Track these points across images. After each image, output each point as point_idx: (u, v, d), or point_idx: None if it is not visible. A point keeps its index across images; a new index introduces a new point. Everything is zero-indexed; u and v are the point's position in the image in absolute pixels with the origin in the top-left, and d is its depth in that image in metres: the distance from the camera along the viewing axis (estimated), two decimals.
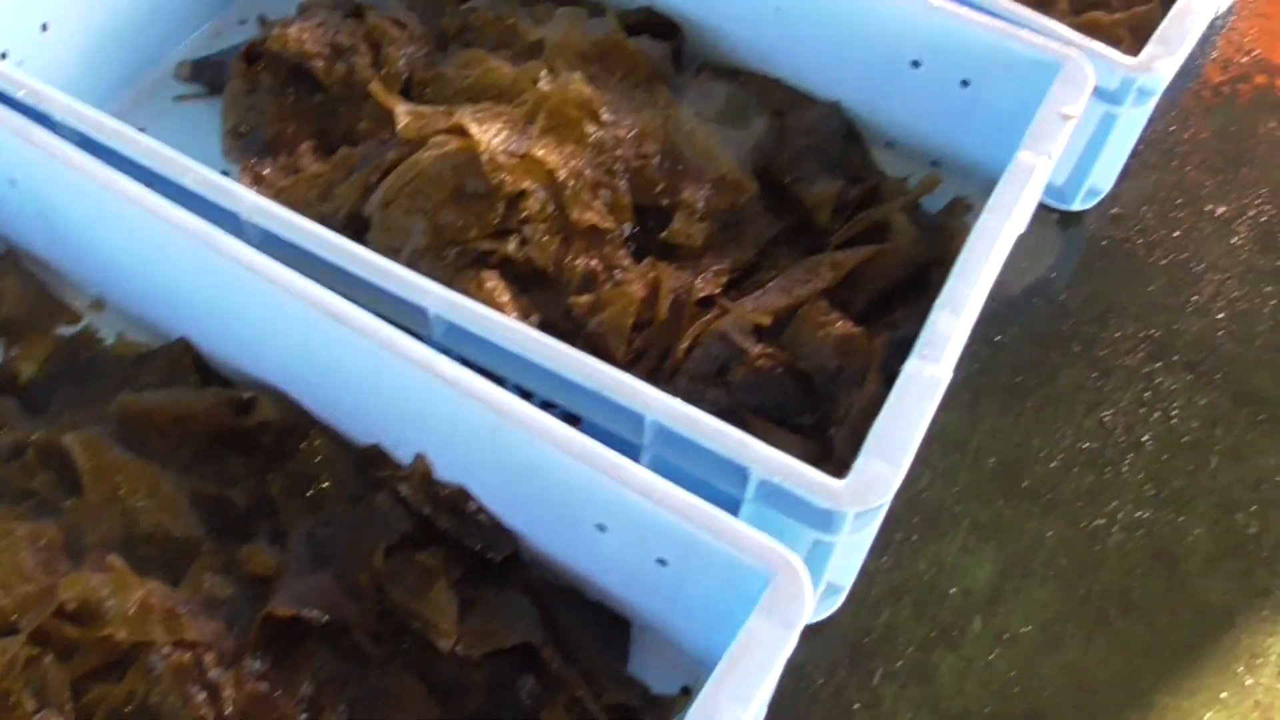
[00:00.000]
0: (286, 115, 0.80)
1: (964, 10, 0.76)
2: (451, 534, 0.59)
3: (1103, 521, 0.71)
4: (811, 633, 0.63)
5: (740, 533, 0.51)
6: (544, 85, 0.75)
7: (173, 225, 0.60)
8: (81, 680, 0.52)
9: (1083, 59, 0.74)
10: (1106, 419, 0.76)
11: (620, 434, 0.58)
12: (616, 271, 0.71)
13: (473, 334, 0.59)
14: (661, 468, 0.55)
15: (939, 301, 0.62)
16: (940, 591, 0.66)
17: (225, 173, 0.78)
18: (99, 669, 0.52)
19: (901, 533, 0.68)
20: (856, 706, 0.62)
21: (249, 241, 0.61)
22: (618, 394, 0.56)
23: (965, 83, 0.79)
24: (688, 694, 0.58)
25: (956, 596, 0.66)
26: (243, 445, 0.62)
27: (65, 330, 0.69)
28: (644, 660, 0.60)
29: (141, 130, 0.78)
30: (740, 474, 0.55)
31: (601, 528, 0.55)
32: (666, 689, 0.59)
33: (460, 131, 0.72)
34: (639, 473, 0.52)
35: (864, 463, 0.54)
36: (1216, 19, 1.01)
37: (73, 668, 0.52)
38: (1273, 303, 0.84)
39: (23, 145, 0.63)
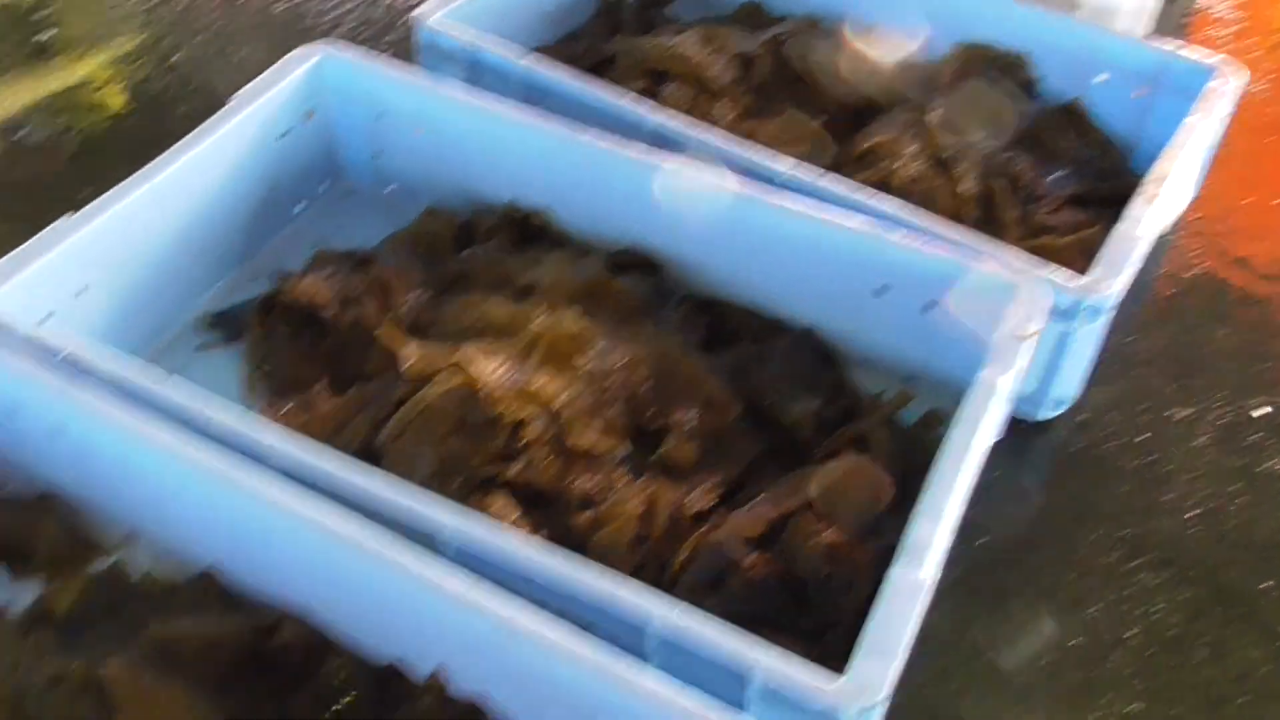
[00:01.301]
0: (301, 359, 0.85)
1: (922, 241, 0.83)
2: None
3: (1097, 716, 0.73)
4: None
5: None
6: (539, 322, 0.81)
7: (201, 464, 0.65)
8: None
9: (1035, 282, 0.81)
10: (1090, 617, 0.79)
11: (626, 647, 0.60)
12: (614, 490, 0.75)
13: (478, 555, 0.62)
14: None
15: (917, 510, 0.66)
16: None
17: None
18: None
19: None
20: None
21: (272, 474, 0.65)
22: (619, 603, 0.59)
23: (927, 307, 0.85)
24: None
25: None
26: (267, 668, 0.65)
27: (98, 566, 0.73)
28: None
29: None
30: (739, 680, 0.58)
31: None
32: None
33: (462, 368, 0.77)
34: (646, 675, 0.55)
35: (859, 663, 0.57)
36: (1164, 236, 1.09)
37: None
38: (1238, 500, 0.88)
39: (67, 399, 0.69)
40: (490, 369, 0.77)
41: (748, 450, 0.80)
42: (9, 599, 0.70)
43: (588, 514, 0.73)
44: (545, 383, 0.77)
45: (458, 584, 0.59)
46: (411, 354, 0.80)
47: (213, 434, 0.67)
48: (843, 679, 0.56)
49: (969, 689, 0.73)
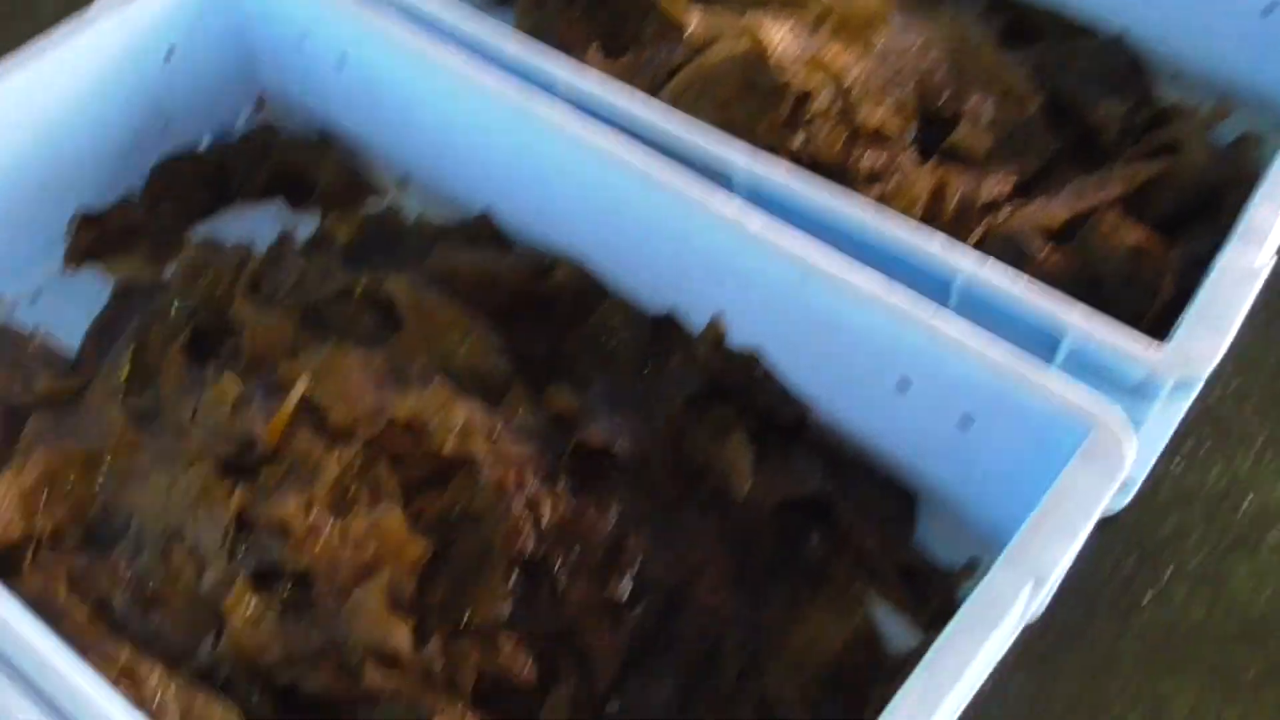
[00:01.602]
0: (574, 23, 0.82)
1: None
2: (742, 395, 0.60)
3: None
4: (1098, 527, 0.62)
5: (1060, 383, 0.50)
6: None
7: (487, 90, 0.63)
8: (411, 487, 0.55)
9: None
10: None
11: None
12: (901, 171, 0.71)
13: (773, 200, 0.59)
14: None
15: (1259, 194, 0.60)
16: (1234, 501, 0.64)
17: None
18: (427, 478, 0.55)
19: (1192, 441, 0.66)
20: (1147, 599, 0.60)
21: (560, 104, 0.63)
22: (925, 253, 0.56)
23: (1269, 8, 0.76)
24: (973, 568, 0.58)
25: (1251, 507, 0.64)
26: (541, 307, 0.65)
27: (374, 206, 0.74)
28: (929, 534, 0.59)
29: None
30: (1049, 341, 0.54)
31: (904, 384, 0.55)
32: (952, 561, 0.58)
33: (750, 31, 0.73)
34: (954, 320, 0.52)
35: (1184, 333, 0.53)
36: None
37: (403, 475, 0.55)
38: None
39: (357, 23, 0.68)
40: (779, 35, 0.73)
41: (1045, 146, 0.74)
42: (291, 227, 0.71)
43: (874, 190, 0.69)
44: (836, 54, 0.72)
45: (753, 221, 0.56)
46: (695, 18, 0.76)
47: (501, 64, 0.65)
48: (1167, 347, 0.52)
49: (1269, 411, 0.68)
